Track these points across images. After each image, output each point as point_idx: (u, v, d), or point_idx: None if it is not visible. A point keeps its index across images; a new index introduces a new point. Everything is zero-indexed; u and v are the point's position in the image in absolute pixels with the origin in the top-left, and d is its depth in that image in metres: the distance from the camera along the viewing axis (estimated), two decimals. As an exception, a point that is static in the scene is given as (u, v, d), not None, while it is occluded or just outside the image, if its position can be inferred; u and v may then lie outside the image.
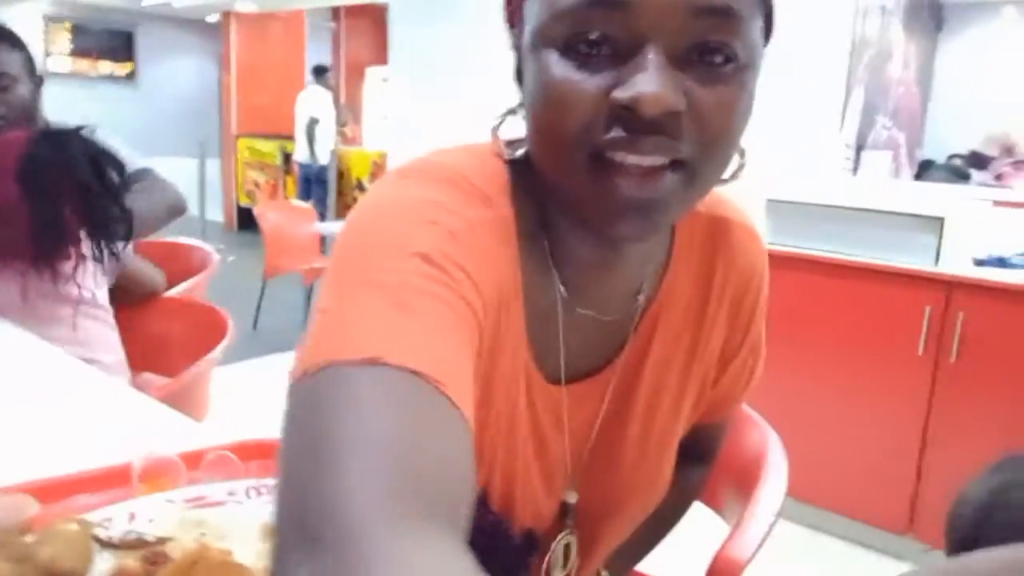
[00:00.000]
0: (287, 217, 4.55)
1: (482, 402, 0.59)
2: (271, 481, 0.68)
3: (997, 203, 2.74)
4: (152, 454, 0.68)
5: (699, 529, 1.04)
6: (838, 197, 2.52)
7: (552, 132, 0.53)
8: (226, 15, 8.18)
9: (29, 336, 1.35)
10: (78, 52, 8.01)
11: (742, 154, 0.58)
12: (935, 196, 2.80)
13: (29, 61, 1.72)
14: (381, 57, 6.52)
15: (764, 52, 0.55)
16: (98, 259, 1.50)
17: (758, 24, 0.53)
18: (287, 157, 7.37)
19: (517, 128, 0.61)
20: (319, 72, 6.96)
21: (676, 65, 0.50)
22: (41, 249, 1.41)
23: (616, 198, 0.52)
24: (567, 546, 0.72)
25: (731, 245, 0.71)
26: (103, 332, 1.56)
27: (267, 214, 4.45)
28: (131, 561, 0.52)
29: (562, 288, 0.63)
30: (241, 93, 8.36)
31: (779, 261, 2.50)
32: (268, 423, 0.83)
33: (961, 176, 4.39)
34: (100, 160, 1.44)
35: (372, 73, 7.72)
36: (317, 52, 8.15)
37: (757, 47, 0.54)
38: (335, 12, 8.31)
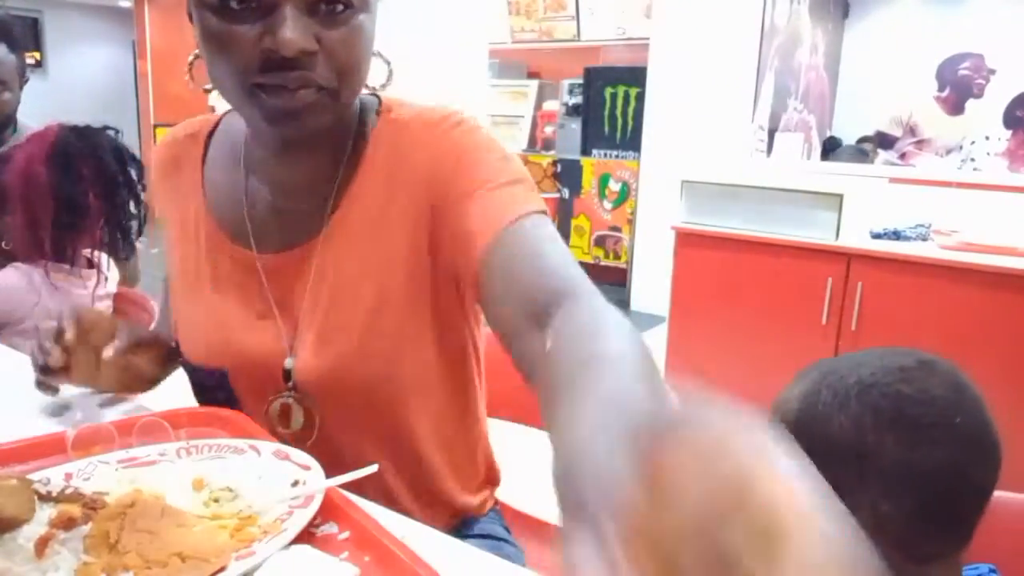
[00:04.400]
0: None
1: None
2: (201, 442, 0.72)
3: (893, 180, 2.92)
4: (85, 422, 0.72)
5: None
6: (749, 178, 2.64)
7: (220, 74, 0.72)
8: (139, 1, 7.92)
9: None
10: (-18, 41, 7.73)
11: (388, 64, 0.82)
12: (838, 175, 2.96)
13: (23, 64, 1.75)
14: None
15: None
16: (112, 251, 1.53)
17: None
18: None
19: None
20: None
21: (307, 14, 0.68)
22: (61, 230, 1.42)
23: (273, 112, 0.71)
24: (287, 406, 0.82)
25: (409, 143, 0.81)
26: None
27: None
28: (71, 507, 0.56)
29: (244, 173, 0.86)
30: (158, 81, 8.12)
31: (695, 239, 2.63)
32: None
33: (863, 156, 4.62)
34: (124, 155, 1.53)
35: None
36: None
37: None
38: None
